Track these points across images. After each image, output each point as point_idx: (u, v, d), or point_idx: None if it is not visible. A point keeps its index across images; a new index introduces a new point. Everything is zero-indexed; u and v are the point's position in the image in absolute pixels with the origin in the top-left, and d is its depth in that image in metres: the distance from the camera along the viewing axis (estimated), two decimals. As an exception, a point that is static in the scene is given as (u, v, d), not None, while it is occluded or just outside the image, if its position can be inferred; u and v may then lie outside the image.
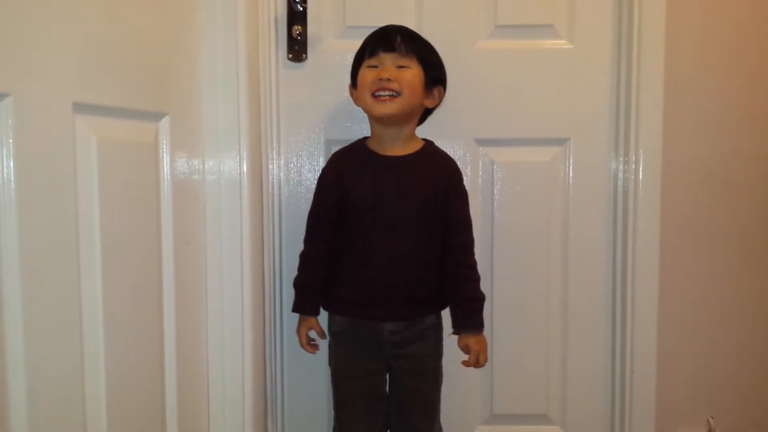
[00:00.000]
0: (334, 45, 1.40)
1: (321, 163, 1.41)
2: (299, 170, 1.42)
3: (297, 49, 1.37)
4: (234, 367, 1.22)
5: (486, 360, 1.24)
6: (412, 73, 1.18)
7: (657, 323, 1.42)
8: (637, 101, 1.38)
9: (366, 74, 1.19)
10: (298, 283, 1.28)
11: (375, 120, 1.22)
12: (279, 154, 1.40)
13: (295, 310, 1.27)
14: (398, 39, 1.18)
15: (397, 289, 1.21)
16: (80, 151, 0.87)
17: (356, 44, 1.36)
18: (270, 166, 1.38)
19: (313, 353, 1.29)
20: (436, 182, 1.23)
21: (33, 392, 0.78)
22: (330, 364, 1.30)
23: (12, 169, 0.75)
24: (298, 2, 1.35)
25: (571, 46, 1.41)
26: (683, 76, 1.40)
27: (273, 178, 1.39)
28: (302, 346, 1.28)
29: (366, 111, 1.21)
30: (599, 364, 1.48)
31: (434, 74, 1.22)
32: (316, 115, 1.41)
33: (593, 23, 1.41)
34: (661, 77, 1.37)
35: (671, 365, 1.46)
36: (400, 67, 1.18)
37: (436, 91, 1.24)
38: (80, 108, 0.86)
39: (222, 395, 1.21)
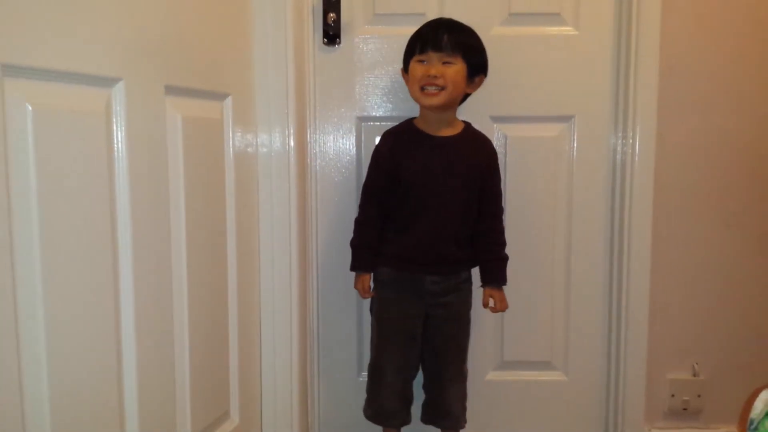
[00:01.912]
0: (365, 30, 1.55)
1: (352, 137, 1.58)
2: (333, 144, 1.58)
3: (331, 34, 1.53)
4: (283, 309, 1.41)
5: (507, 306, 1.46)
6: (455, 70, 1.34)
7: (649, 281, 1.60)
8: (634, 83, 1.53)
9: (416, 69, 1.35)
10: (355, 244, 1.45)
11: (424, 108, 1.39)
12: (315, 129, 1.56)
13: (353, 268, 1.45)
14: (445, 38, 1.33)
15: (437, 247, 1.39)
16: (169, 126, 1.03)
17: (385, 30, 1.52)
18: (308, 139, 1.54)
19: (369, 297, 1.46)
20: (479, 160, 1.42)
21: (141, 355, 0.95)
22: (372, 309, 1.48)
23: (124, 143, 0.92)
24: (332, -8, 1.50)
25: (577, 33, 1.57)
26: (677, 61, 1.55)
27: (310, 151, 1.55)
28: (363, 295, 1.45)
29: (415, 100, 1.38)
30: (597, 317, 1.65)
31: (477, 65, 1.38)
32: (348, 95, 1.57)
33: (596, 12, 1.56)
34: (656, 62, 1.53)
35: (661, 317, 1.63)
36: (446, 62, 1.33)
37: (477, 79, 1.40)
38: (170, 90, 1.02)
39: (272, 337, 1.40)
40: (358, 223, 1.45)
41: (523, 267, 1.62)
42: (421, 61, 1.35)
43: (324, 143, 1.58)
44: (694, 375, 1.66)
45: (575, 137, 1.60)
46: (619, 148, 1.59)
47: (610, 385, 1.66)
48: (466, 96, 1.43)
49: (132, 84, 0.93)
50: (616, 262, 1.62)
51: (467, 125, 1.45)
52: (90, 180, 0.86)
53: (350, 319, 1.62)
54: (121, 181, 0.91)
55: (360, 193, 1.48)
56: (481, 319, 1.60)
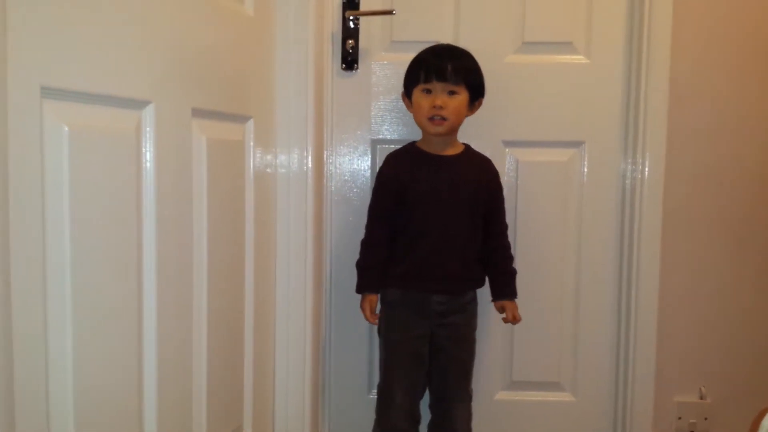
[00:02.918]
0: (382, 57, 1.60)
1: (367, 159, 1.62)
2: (349, 165, 1.63)
3: (350, 60, 1.58)
4: (297, 326, 1.44)
5: (520, 318, 1.49)
6: (459, 100, 1.38)
7: (657, 304, 1.62)
8: (645, 111, 1.57)
9: (422, 101, 1.39)
10: (361, 266, 1.48)
11: (430, 135, 1.43)
12: (332, 151, 1.61)
13: (359, 290, 1.47)
14: (449, 68, 1.37)
15: (444, 265, 1.42)
16: (195, 147, 1.08)
17: (401, 56, 1.56)
18: (325, 160, 1.58)
19: (375, 323, 1.48)
20: (482, 178, 1.46)
21: (161, 368, 0.99)
22: (379, 331, 1.50)
23: (152, 163, 0.96)
24: (351, 19, 1.56)
25: (588, 61, 1.61)
26: (686, 89, 1.59)
27: (326, 172, 1.60)
28: (368, 318, 1.46)
29: (421, 128, 1.43)
30: (606, 339, 1.67)
31: (477, 90, 1.43)
32: (364, 118, 1.62)
33: (607, 42, 1.60)
34: (666, 91, 1.56)
35: (669, 341, 1.65)
36: (451, 92, 1.38)
37: (477, 103, 1.45)
38: (196, 113, 1.07)
39: (286, 353, 1.43)
40: (365, 244, 1.49)
41: (533, 288, 1.65)
42: (426, 91, 1.39)
43: (340, 164, 1.62)
44: (701, 398, 1.68)
45: (585, 162, 1.64)
46: (628, 174, 1.62)
47: (618, 407, 1.67)
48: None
49: (161, 106, 0.97)
50: (624, 284, 1.64)
51: (467, 146, 1.50)
52: (119, 198, 0.90)
53: (362, 338, 1.65)
54: (147, 200, 0.96)
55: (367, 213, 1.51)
56: (490, 338, 1.62)
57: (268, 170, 1.37)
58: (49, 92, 0.77)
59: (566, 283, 1.67)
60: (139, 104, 0.94)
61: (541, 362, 1.69)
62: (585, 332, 1.68)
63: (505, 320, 1.50)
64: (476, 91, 1.42)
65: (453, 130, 1.44)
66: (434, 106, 1.37)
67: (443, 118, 1.38)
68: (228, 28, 1.19)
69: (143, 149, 0.95)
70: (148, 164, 0.96)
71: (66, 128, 0.80)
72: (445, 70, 1.38)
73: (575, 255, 1.66)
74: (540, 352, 1.68)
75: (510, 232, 1.61)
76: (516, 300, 1.50)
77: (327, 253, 1.60)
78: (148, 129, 0.96)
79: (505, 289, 1.50)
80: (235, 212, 1.24)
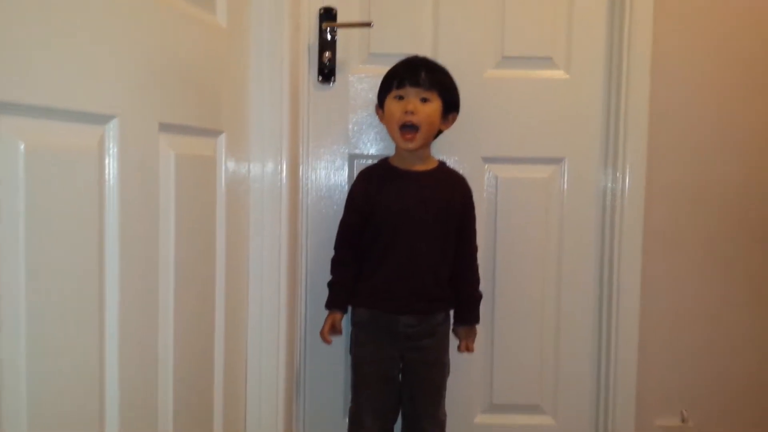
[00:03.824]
0: (359, 69, 1.56)
1: (344, 174, 1.58)
2: (326, 180, 1.58)
3: (327, 72, 1.54)
4: (270, 346, 1.38)
5: (472, 349, 1.48)
6: (432, 108, 1.36)
7: (638, 325, 1.60)
8: (625, 127, 1.56)
9: (394, 107, 1.36)
10: (331, 283, 1.44)
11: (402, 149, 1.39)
12: (308, 165, 1.56)
13: (328, 306, 1.44)
14: (423, 74, 1.35)
15: (413, 284, 1.38)
16: (162, 164, 1.02)
17: (379, 69, 1.53)
18: (301, 176, 1.53)
19: (329, 343, 1.44)
20: (454, 194, 1.42)
21: (123, 382, 0.92)
22: (351, 351, 1.46)
23: (115, 181, 0.91)
24: (329, 31, 1.52)
25: (568, 77, 1.59)
26: (666, 106, 1.57)
27: (302, 186, 1.55)
28: (323, 334, 1.42)
29: (393, 140, 1.40)
30: (586, 361, 1.65)
31: (451, 103, 1.40)
32: (341, 132, 1.57)
33: (587, 57, 1.59)
34: (646, 107, 1.55)
35: (650, 363, 1.62)
36: (423, 99, 1.35)
37: (451, 117, 1.42)
38: (164, 127, 1.01)
39: (259, 378, 1.36)
40: (333, 262, 1.45)
41: (513, 309, 1.62)
42: (399, 97, 1.36)
43: (316, 179, 1.58)
44: (683, 421, 1.65)
45: (566, 179, 1.61)
46: (608, 191, 1.60)
47: (599, 430, 1.64)
48: (439, 132, 1.44)
49: (126, 121, 0.92)
50: (605, 305, 1.62)
51: (441, 163, 1.46)
52: (79, 218, 0.84)
53: (337, 358, 1.60)
54: (110, 220, 0.90)
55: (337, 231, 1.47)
56: (470, 360, 1.58)
57: (241, 186, 1.32)
58: (3, 107, 0.71)
59: (547, 302, 1.63)
60: (103, 119, 0.89)
61: (522, 385, 1.65)
62: (565, 354, 1.64)
63: (459, 349, 1.47)
64: (450, 102, 1.39)
65: (425, 143, 1.40)
66: (406, 111, 1.34)
67: (414, 127, 1.34)
68: (199, 40, 1.13)
69: (106, 166, 0.89)
70: (111, 182, 0.90)
71: (22, 145, 0.74)
72: (418, 76, 1.35)
73: (556, 273, 1.63)
74: (520, 375, 1.65)
75: (489, 250, 1.58)
76: (479, 321, 1.47)
77: (302, 270, 1.55)
78: (111, 145, 0.90)
79: (465, 315, 1.47)
80: (206, 230, 1.18)
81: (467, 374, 1.60)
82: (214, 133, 1.20)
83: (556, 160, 1.61)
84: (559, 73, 1.60)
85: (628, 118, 1.56)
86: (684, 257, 1.63)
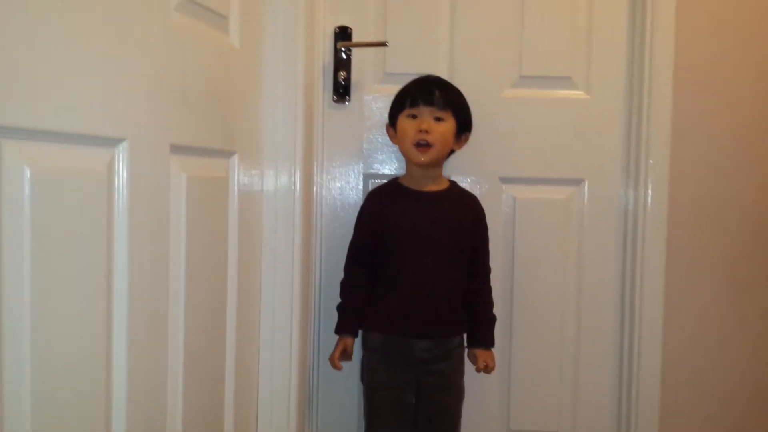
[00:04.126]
0: (375, 89, 1.55)
1: (359, 193, 1.56)
2: (340, 201, 1.56)
3: (341, 92, 1.52)
4: (282, 371, 1.35)
5: (494, 367, 1.42)
6: (446, 127, 1.34)
7: (661, 348, 1.55)
8: (647, 147, 1.52)
9: (407, 125, 1.35)
10: (341, 307, 1.42)
11: (414, 165, 1.37)
12: (322, 186, 1.54)
13: (338, 331, 1.41)
14: (437, 93, 1.33)
15: (428, 306, 1.35)
16: (173, 186, 1.01)
17: (395, 89, 1.51)
18: (314, 194, 1.51)
19: (339, 369, 1.41)
20: (466, 214, 1.39)
21: (131, 386, 0.91)
22: (362, 378, 1.43)
23: (125, 205, 0.89)
24: (344, 50, 1.50)
25: (588, 97, 1.56)
26: (687, 127, 1.53)
27: (316, 205, 1.52)
28: (334, 360, 1.39)
29: (406, 156, 1.38)
30: (607, 386, 1.60)
31: (464, 123, 1.38)
32: (356, 151, 1.55)
33: (607, 77, 1.56)
34: (668, 127, 1.51)
35: (673, 388, 1.57)
36: (437, 119, 1.33)
37: (464, 137, 1.40)
38: (176, 149, 1.00)
39: (270, 398, 1.34)
40: (343, 285, 1.43)
41: (531, 332, 1.58)
42: (412, 116, 1.34)
43: (331, 201, 1.56)
44: (707, 448, 1.60)
45: (585, 200, 1.58)
46: (630, 213, 1.56)
47: (620, 459, 1.59)
48: (451, 152, 1.42)
49: (136, 143, 0.91)
50: (627, 329, 1.57)
51: (452, 182, 1.44)
52: (87, 244, 0.83)
53: (351, 382, 1.57)
54: (119, 244, 0.88)
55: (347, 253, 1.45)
56: (486, 383, 1.54)
57: (254, 207, 1.30)
58: (8, 132, 0.70)
59: (566, 326, 1.59)
60: (112, 142, 0.88)
61: (540, 409, 1.60)
62: (585, 378, 1.60)
63: (477, 369, 1.43)
64: (463, 122, 1.37)
65: (438, 161, 1.38)
66: (420, 130, 1.32)
67: (428, 144, 1.32)
68: (212, 61, 1.13)
69: (116, 190, 0.88)
70: (121, 207, 0.88)
71: (28, 171, 0.73)
72: (433, 95, 1.33)
73: (575, 297, 1.59)
74: (538, 399, 1.60)
75: (507, 272, 1.55)
76: (494, 344, 1.44)
77: (315, 295, 1.52)
78: (121, 168, 0.89)
79: (481, 338, 1.43)
80: (217, 253, 1.16)
81: (483, 397, 1.56)
82: (227, 153, 1.19)
83: (576, 182, 1.58)
84: (578, 93, 1.57)
85: (650, 138, 1.52)
86: (706, 279, 1.58)
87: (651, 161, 1.52)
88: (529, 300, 1.57)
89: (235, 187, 1.21)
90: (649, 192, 1.53)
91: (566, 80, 1.56)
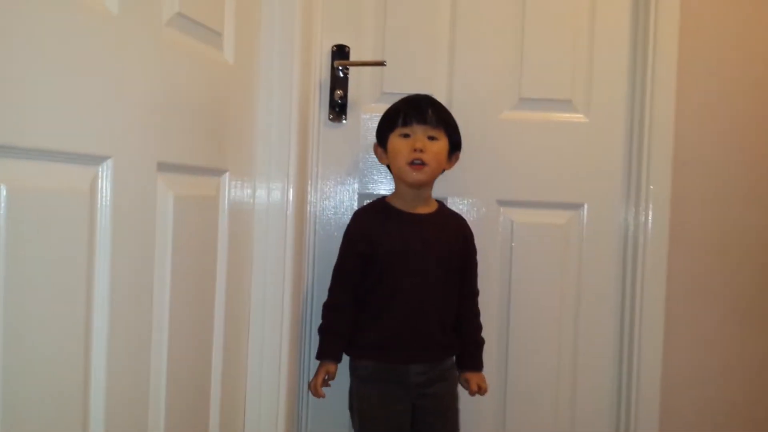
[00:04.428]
0: (371, 108, 1.52)
1: (353, 211, 1.52)
2: (335, 222, 1.52)
3: (338, 111, 1.50)
4: (270, 392, 1.31)
5: (486, 388, 1.39)
6: (440, 146, 1.31)
7: (660, 378, 1.51)
8: (648, 172, 1.49)
9: (400, 144, 1.31)
10: (324, 330, 1.36)
11: (407, 185, 1.34)
12: (316, 204, 1.51)
13: (319, 357, 1.35)
14: (429, 112, 1.31)
15: (420, 332, 1.31)
16: (160, 206, 0.97)
17: (392, 109, 1.49)
18: (308, 213, 1.48)
19: (322, 397, 1.34)
20: (456, 236, 1.37)
21: (110, 414, 0.87)
22: (352, 407, 1.38)
23: (108, 225, 0.86)
24: (341, 69, 1.48)
25: (587, 120, 1.54)
26: (690, 153, 1.51)
27: (311, 224, 1.49)
28: (315, 388, 1.32)
29: (399, 176, 1.34)
30: (605, 414, 1.55)
31: (455, 142, 1.36)
32: (351, 171, 1.53)
33: (608, 100, 1.54)
34: (670, 153, 1.49)
35: (673, 421, 1.53)
36: (431, 137, 1.30)
37: (454, 157, 1.37)
38: (163, 167, 0.97)
39: (258, 415, 1.30)
40: (327, 307, 1.37)
41: (527, 359, 1.54)
42: (404, 135, 1.31)
43: (325, 219, 1.53)
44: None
45: (585, 225, 1.55)
46: (630, 238, 1.53)
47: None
48: (441, 172, 1.39)
49: (121, 161, 0.88)
50: (626, 355, 1.54)
51: (441, 204, 1.41)
52: (67, 266, 0.79)
53: (343, 406, 1.53)
54: (101, 266, 0.85)
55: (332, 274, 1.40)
56: (481, 408, 1.50)
57: (245, 225, 1.27)
58: (-18, 149, 0.68)
59: (564, 353, 1.55)
60: (96, 160, 0.85)
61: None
62: (583, 411, 1.56)
63: (471, 392, 1.39)
64: (454, 141, 1.35)
65: (431, 181, 1.35)
66: (415, 149, 1.29)
67: (423, 164, 1.29)
68: (204, 77, 1.10)
69: (99, 210, 0.85)
70: (104, 226, 0.85)
71: (4, 189, 0.70)
72: (425, 113, 1.31)
73: (573, 323, 1.55)
74: (534, 425, 1.56)
75: (503, 297, 1.52)
76: (483, 367, 1.41)
77: (306, 316, 1.49)
78: (105, 187, 0.86)
79: (471, 361, 1.40)
80: (205, 275, 1.13)
81: (478, 421, 1.52)
82: (218, 171, 1.16)
83: (576, 206, 1.55)
84: (578, 117, 1.54)
85: (650, 162, 1.50)
86: (708, 306, 1.55)
87: (652, 186, 1.50)
88: (525, 326, 1.54)
89: (226, 206, 1.18)
90: (650, 217, 1.50)
91: (566, 103, 1.54)
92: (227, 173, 1.18)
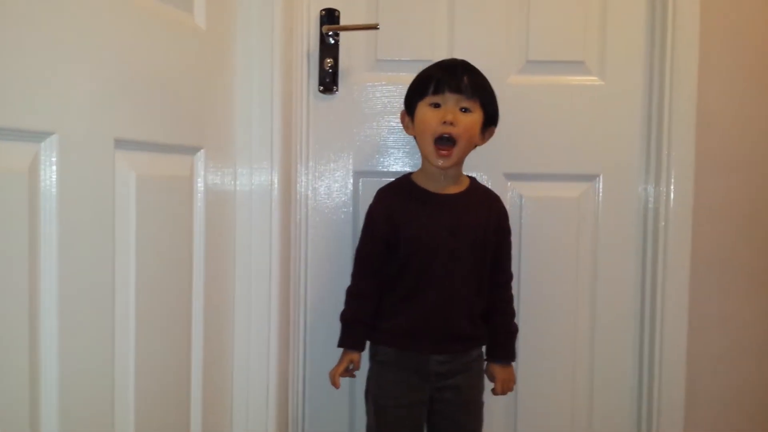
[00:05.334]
0: (365, 77, 1.40)
1: (348, 193, 1.41)
2: (328, 201, 1.41)
3: (328, 81, 1.38)
4: (259, 386, 1.21)
5: (511, 389, 1.29)
6: (473, 120, 1.18)
7: (685, 364, 1.40)
8: (669, 138, 1.36)
9: (429, 114, 1.18)
10: (347, 318, 1.26)
11: (433, 166, 1.22)
12: (307, 185, 1.40)
13: (342, 345, 1.26)
14: (465, 80, 1.17)
15: (447, 322, 1.21)
16: (119, 186, 0.87)
17: (388, 77, 1.38)
18: (299, 195, 1.37)
19: (337, 387, 1.26)
20: (488, 220, 1.25)
21: (65, 405, 0.78)
22: (368, 393, 1.28)
23: (56, 205, 0.76)
24: (330, 35, 1.36)
25: (602, 83, 1.41)
26: (715, 115, 1.38)
27: (301, 206, 1.38)
28: (335, 376, 1.24)
29: (424, 154, 1.22)
30: (626, 404, 1.45)
31: (492, 115, 1.22)
32: (345, 147, 1.41)
33: (625, 60, 1.40)
34: (693, 115, 1.36)
35: (696, 403, 1.43)
36: (463, 109, 1.17)
37: (488, 132, 1.24)
38: (122, 144, 0.86)
39: (245, 412, 1.20)
40: (350, 294, 1.27)
41: (540, 344, 1.44)
42: (435, 105, 1.18)
43: (317, 201, 1.41)
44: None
45: (600, 198, 1.42)
46: (650, 211, 1.41)
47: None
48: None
49: (68, 137, 0.77)
50: (647, 338, 1.42)
51: (473, 180, 1.29)
52: (3, 260, 0.69)
53: (341, 406, 1.43)
54: (47, 257, 0.75)
55: (353, 257, 1.30)
56: (491, 402, 1.39)
57: (225, 211, 1.16)
58: None
59: (580, 337, 1.44)
60: (37, 136, 0.74)
61: (551, 426, 1.45)
62: (601, 396, 1.45)
63: (494, 392, 1.29)
64: (490, 114, 1.22)
65: (460, 161, 1.22)
66: (445, 122, 1.15)
67: (451, 141, 1.16)
68: (171, 44, 0.99)
69: (42, 193, 0.75)
70: (48, 211, 0.75)
71: None
72: (461, 81, 1.17)
73: (589, 304, 1.44)
74: (548, 418, 1.45)
75: (514, 277, 1.39)
76: (515, 358, 1.30)
77: (301, 306, 1.38)
78: (48, 167, 0.75)
79: (501, 351, 1.29)
80: (179, 263, 1.02)
81: (488, 415, 1.41)
82: (191, 149, 1.05)
83: (590, 177, 1.42)
84: (592, 79, 1.41)
85: (672, 128, 1.37)
86: (736, 284, 1.43)
87: (673, 153, 1.37)
88: (537, 308, 1.42)
89: (201, 187, 1.07)
90: (672, 188, 1.38)
91: (579, 65, 1.41)
92: (202, 151, 1.07)
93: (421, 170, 1.27)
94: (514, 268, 1.39)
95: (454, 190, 1.24)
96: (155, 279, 0.95)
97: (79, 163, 0.79)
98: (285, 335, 1.28)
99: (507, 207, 1.40)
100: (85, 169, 0.80)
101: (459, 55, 1.36)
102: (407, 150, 1.40)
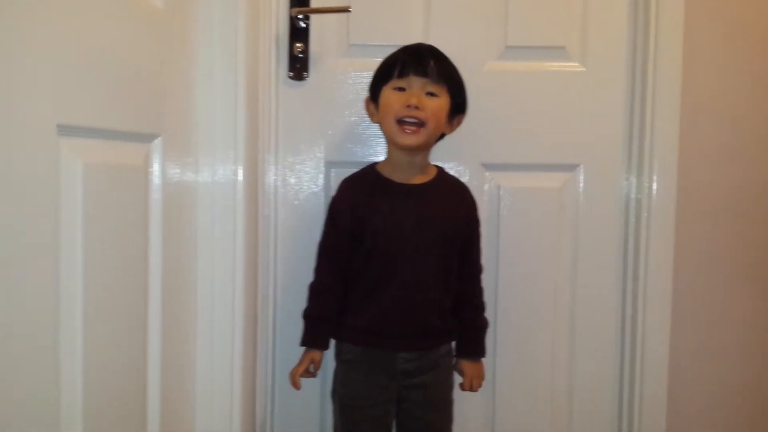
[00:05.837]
0: (337, 63, 1.34)
1: (320, 184, 1.36)
2: (297, 193, 1.36)
3: (298, 67, 1.32)
4: (222, 386, 1.15)
5: (480, 385, 1.26)
6: (440, 104, 1.13)
7: (668, 359, 1.37)
8: (652, 127, 1.33)
9: (393, 98, 1.13)
10: (310, 315, 1.21)
11: (398, 148, 1.17)
12: (276, 175, 1.34)
13: (305, 344, 1.21)
14: (431, 63, 1.12)
15: (414, 318, 1.17)
16: (64, 176, 0.80)
17: (361, 62, 1.32)
18: (267, 188, 1.31)
19: (298, 389, 1.21)
20: (457, 212, 1.20)
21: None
22: (334, 392, 1.24)
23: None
24: (300, 18, 1.30)
25: (584, 69, 1.36)
26: (700, 102, 1.35)
27: (270, 199, 1.33)
28: (295, 376, 1.20)
29: (388, 137, 1.17)
30: (606, 399, 1.42)
31: (460, 103, 1.18)
32: (317, 136, 1.35)
33: (607, 46, 1.36)
34: (677, 103, 1.32)
35: (681, 402, 1.40)
36: (429, 93, 1.12)
37: (456, 120, 1.20)
38: (66, 130, 0.80)
39: (209, 412, 1.14)
40: (313, 289, 1.22)
41: (519, 340, 1.40)
42: (399, 89, 1.13)
43: (286, 192, 1.36)
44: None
45: (581, 189, 1.38)
46: (632, 203, 1.37)
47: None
48: (441, 136, 1.21)
49: (4, 124, 0.71)
50: (629, 334, 1.39)
51: (440, 170, 1.24)
52: None
53: (312, 406, 1.38)
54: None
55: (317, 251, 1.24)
56: (468, 399, 1.35)
57: (185, 204, 1.09)
58: None
59: (559, 333, 1.40)
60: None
61: (529, 425, 1.41)
62: (582, 393, 1.41)
63: (462, 387, 1.25)
64: (458, 101, 1.17)
65: (427, 145, 1.17)
66: (408, 105, 1.10)
67: (419, 124, 1.11)
68: (124, 23, 0.92)
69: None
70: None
71: None
72: (426, 65, 1.12)
73: (569, 299, 1.40)
74: (527, 413, 1.41)
75: (491, 272, 1.36)
76: (485, 354, 1.26)
77: (271, 303, 1.32)
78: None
79: (471, 347, 1.25)
80: (133, 262, 0.96)
81: (463, 412, 1.37)
82: (146, 137, 0.98)
83: (570, 167, 1.38)
84: (573, 65, 1.37)
85: (655, 116, 1.33)
86: (719, 277, 1.41)
87: (657, 143, 1.33)
88: (516, 303, 1.38)
89: (158, 178, 1.00)
90: (654, 179, 1.34)
91: (559, 50, 1.36)
92: (159, 139, 1.00)
93: (386, 160, 1.22)
94: (491, 262, 1.35)
95: (420, 180, 1.19)
96: (105, 274, 0.88)
97: (18, 151, 0.73)
98: (251, 334, 1.22)
99: (485, 198, 1.36)
100: (24, 156, 0.74)
101: (435, 40, 1.31)
102: (381, 139, 1.34)
